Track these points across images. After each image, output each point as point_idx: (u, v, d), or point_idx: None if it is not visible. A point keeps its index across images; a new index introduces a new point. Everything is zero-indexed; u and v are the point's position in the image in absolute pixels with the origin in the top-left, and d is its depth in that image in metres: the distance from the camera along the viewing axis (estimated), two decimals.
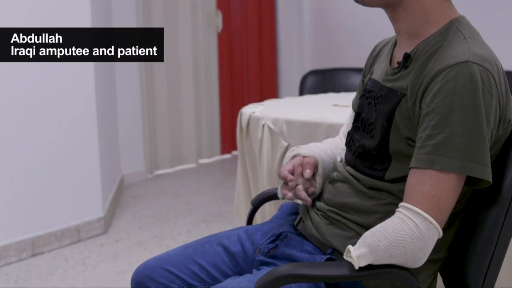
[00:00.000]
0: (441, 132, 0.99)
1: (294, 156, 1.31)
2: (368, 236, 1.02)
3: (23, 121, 2.67)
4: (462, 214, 1.14)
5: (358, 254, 1.00)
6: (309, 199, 1.23)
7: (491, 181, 1.02)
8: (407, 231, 0.99)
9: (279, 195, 1.29)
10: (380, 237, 1.00)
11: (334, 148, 1.37)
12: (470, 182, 1.03)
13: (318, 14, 4.61)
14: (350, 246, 1.02)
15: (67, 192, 2.88)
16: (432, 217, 0.99)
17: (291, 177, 1.23)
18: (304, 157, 1.30)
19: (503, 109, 1.04)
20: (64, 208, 2.87)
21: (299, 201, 1.44)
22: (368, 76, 1.29)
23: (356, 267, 1.00)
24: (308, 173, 1.25)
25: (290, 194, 1.24)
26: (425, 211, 0.99)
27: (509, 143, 1.09)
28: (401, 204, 1.03)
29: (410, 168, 1.03)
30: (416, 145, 1.03)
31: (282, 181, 1.28)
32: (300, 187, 1.24)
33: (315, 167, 1.28)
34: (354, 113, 1.38)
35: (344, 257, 1.02)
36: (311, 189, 1.26)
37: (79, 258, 2.73)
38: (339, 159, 1.35)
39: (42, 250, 2.78)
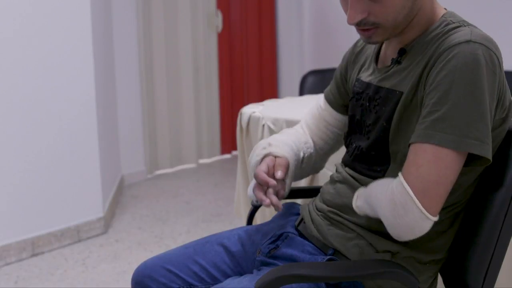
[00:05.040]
0: (440, 109, 0.98)
1: (265, 155, 1.26)
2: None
3: (24, 121, 2.67)
4: (463, 215, 1.14)
5: (359, 203, 1.08)
6: (280, 205, 1.17)
7: (491, 158, 1.00)
8: (385, 188, 1.02)
9: (251, 196, 1.21)
10: (370, 187, 1.07)
11: (298, 142, 1.34)
12: (471, 161, 1.02)
13: (318, 14, 4.61)
14: (356, 193, 1.10)
15: (67, 192, 2.88)
16: (407, 182, 0.98)
17: (273, 182, 1.16)
18: (275, 156, 1.25)
19: (502, 93, 1.04)
20: (64, 208, 2.88)
21: (299, 201, 1.43)
22: (354, 77, 1.28)
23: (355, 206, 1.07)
24: (280, 174, 1.20)
25: (268, 201, 1.15)
26: (403, 176, 1.00)
27: (509, 142, 1.09)
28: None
29: (409, 145, 1.03)
30: (419, 121, 1.02)
31: (254, 181, 1.21)
32: (271, 190, 1.18)
33: (286, 168, 1.24)
34: (326, 104, 1.37)
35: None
36: (281, 192, 1.22)
37: (79, 258, 2.73)
38: (301, 155, 1.33)
39: (42, 250, 2.78)
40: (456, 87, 0.97)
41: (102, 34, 3.32)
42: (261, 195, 1.17)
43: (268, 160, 1.23)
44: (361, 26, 1.08)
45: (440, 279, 1.24)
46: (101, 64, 3.18)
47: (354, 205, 1.06)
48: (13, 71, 2.62)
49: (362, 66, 1.27)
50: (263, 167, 1.20)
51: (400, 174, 1.01)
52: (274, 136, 1.34)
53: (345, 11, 1.09)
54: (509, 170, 1.07)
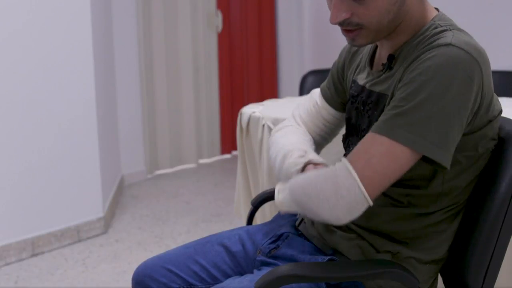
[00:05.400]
0: (405, 105, 0.97)
1: (306, 163, 1.20)
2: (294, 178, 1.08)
3: (24, 121, 2.67)
4: (462, 214, 1.14)
5: (280, 188, 1.07)
6: None
7: (447, 166, 0.98)
8: (323, 172, 1.01)
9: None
10: (302, 176, 1.04)
11: (307, 141, 1.32)
12: (429, 160, 1.00)
13: (318, 14, 4.61)
14: (277, 187, 1.08)
15: (67, 192, 2.88)
16: (354, 168, 0.97)
17: None
18: (315, 164, 1.22)
19: (483, 99, 1.01)
20: (64, 208, 2.88)
21: None
22: (351, 78, 1.28)
23: (277, 200, 1.05)
24: None
25: None
26: (349, 162, 0.98)
27: (508, 142, 1.10)
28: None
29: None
30: (381, 114, 1.02)
31: None
32: None
33: None
34: (323, 101, 1.36)
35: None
36: None
37: (79, 258, 2.73)
38: None
39: (42, 250, 2.78)
40: (426, 87, 0.96)
41: (102, 34, 3.32)
42: None
43: (311, 169, 1.18)
44: (344, 26, 1.07)
45: (440, 279, 1.24)
46: (101, 64, 3.18)
47: (276, 201, 1.06)
48: (13, 71, 2.62)
49: (357, 66, 1.27)
50: None
51: (344, 159, 0.99)
52: (290, 139, 1.30)
53: (330, 10, 1.08)
54: (508, 171, 1.07)
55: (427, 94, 0.96)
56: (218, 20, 4.59)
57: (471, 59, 0.97)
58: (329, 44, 4.52)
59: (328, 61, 4.45)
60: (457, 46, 0.97)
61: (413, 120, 0.96)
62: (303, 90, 3.54)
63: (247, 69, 4.84)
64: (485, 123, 1.05)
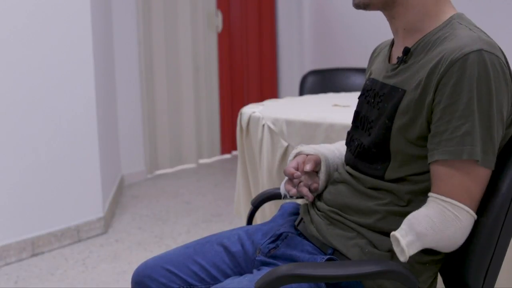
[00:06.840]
0: (466, 122, 1.00)
1: (297, 154, 1.33)
2: (415, 224, 1.03)
3: (24, 121, 2.67)
4: None
5: (407, 242, 1.02)
6: (310, 195, 1.25)
7: (493, 169, 1.04)
8: (451, 222, 1.02)
9: (282, 191, 1.30)
10: (428, 227, 1.02)
11: (343, 149, 1.38)
12: None
13: (318, 14, 4.61)
14: (397, 234, 1.02)
15: (67, 192, 2.88)
16: (467, 206, 1.03)
17: (298, 173, 1.24)
18: (307, 155, 1.32)
19: None
20: (64, 208, 2.88)
21: (299, 200, 1.43)
22: (368, 76, 1.30)
23: (407, 256, 1.02)
24: (308, 167, 1.26)
25: (294, 190, 1.25)
26: (461, 202, 1.02)
27: (509, 142, 1.09)
28: (434, 195, 1.04)
29: (436, 161, 1.04)
30: (442, 137, 1.02)
31: (285, 178, 1.30)
32: (302, 183, 1.26)
33: (317, 164, 1.30)
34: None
35: (394, 248, 1.03)
36: (314, 185, 1.27)
37: (79, 258, 2.73)
38: None
39: (42, 250, 2.78)
40: (476, 99, 0.99)
41: (102, 34, 3.32)
42: (289, 186, 1.27)
43: (298, 157, 1.32)
44: None
45: (440, 279, 1.24)
46: (101, 64, 3.18)
47: (407, 254, 1.03)
48: (13, 71, 2.62)
49: (376, 66, 1.29)
50: (293, 163, 1.29)
51: (455, 202, 1.02)
52: (322, 144, 1.41)
53: None
54: (509, 169, 1.07)
55: (479, 106, 1.00)
56: (218, 20, 4.59)
57: (501, 62, 1.02)
58: (329, 44, 4.52)
59: (328, 61, 4.45)
60: (488, 51, 1.01)
61: (478, 135, 1.00)
62: (303, 90, 3.54)
63: (247, 69, 4.84)
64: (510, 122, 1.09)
